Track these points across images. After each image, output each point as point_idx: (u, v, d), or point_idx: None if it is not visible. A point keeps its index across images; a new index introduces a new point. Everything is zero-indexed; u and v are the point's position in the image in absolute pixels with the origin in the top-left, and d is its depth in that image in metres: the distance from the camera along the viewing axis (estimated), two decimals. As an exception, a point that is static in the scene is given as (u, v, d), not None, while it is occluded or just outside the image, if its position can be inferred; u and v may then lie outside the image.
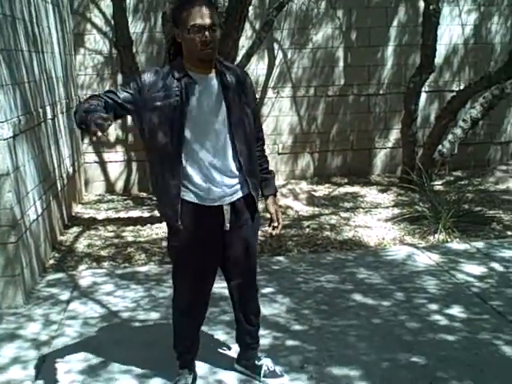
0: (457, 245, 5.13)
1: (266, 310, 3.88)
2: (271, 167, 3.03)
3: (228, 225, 2.73)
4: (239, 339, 3.12)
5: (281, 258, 4.92)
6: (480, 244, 5.11)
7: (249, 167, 2.74)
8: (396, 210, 6.25)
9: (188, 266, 2.79)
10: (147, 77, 2.63)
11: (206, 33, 2.51)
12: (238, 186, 2.74)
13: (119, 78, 6.79)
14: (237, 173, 2.73)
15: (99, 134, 2.25)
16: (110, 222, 6.06)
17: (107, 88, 7.34)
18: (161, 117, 2.59)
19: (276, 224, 2.93)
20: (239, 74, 2.79)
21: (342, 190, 7.36)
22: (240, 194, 2.75)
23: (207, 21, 2.52)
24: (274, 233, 2.96)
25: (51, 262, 4.94)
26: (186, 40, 2.58)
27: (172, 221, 2.71)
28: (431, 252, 4.95)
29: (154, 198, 7.10)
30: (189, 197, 2.68)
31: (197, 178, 2.66)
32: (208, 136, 2.66)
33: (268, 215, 2.96)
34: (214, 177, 2.68)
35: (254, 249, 2.92)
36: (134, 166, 7.64)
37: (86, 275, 4.64)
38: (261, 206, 2.91)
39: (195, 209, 2.68)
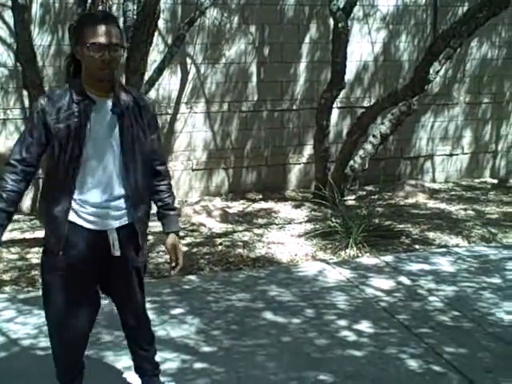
0: (367, 259, 5.21)
1: (174, 331, 3.80)
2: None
3: (117, 250, 2.60)
4: (137, 368, 3.01)
5: (192, 277, 4.83)
6: (389, 258, 5.21)
7: (135, 198, 2.63)
8: (309, 226, 6.30)
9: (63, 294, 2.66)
10: (44, 103, 2.51)
11: (107, 52, 2.42)
12: (124, 212, 2.62)
13: (24, 92, 6.52)
14: (123, 200, 2.61)
15: None
16: (15, 244, 5.78)
17: (12, 103, 7.06)
18: (61, 139, 2.47)
19: (174, 264, 2.78)
20: (137, 99, 2.65)
21: (257, 205, 7.36)
22: (125, 222, 2.63)
23: (108, 39, 2.42)
24: (172, 273, 2.81)
25: None
26: (85, 58, 2.47)
27: (55, 247, 2.58)
28: (342, 267, 4.99)
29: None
30: (77, 220, 2.56)
31: (87, 200, 2.56)
32: (103, 160, 2.55)
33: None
34: (102, 200, 2.57)
35: (138, 282, 2.78)
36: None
37: (-15, 301, 4.40)
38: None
39: (82, 233, 2.57)
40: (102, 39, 2.42)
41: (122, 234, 2.62)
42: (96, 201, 2.56)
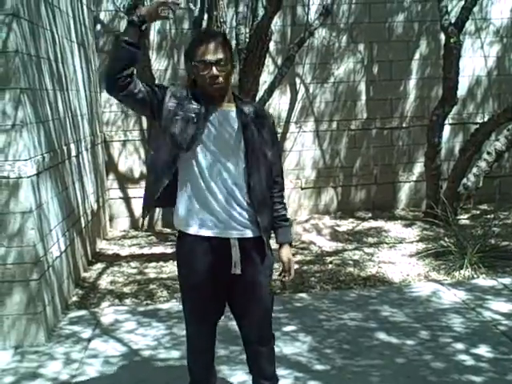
0: (483, 281, 5.03)
1: (287, 348, 3.84)
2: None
3: (238, 264, 2.64)
4: None
5: (303, 295, 4.87)
6: (507, 280, 5.00)
7: (260, 207, 2.66)
8: (421, 245, 6.17)
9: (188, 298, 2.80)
10: (173, 89, 2.64)
11: (214, 68, 2.52)
12: (248, 224, 2.66)
13: (143, 114, 6.86)
14: (246, 211, 2.66)
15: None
16: (134, 258, 6.08)
17: (131, 125, 7.45)
18: (177, 125, 2.57)
19: (287, 274, 2.82)
20: (258, 111, 2.74)
21: (366, 224, 7.30)
22: (250, 234, 2.67)
23: (214, 56, 2.53)
24: (284, 280, 2.84)
25: (74, 299, 4.95)
26: (196, 75, 2.61)
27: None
28: (457, 289, 4.86)
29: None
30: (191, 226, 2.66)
31: (201, 206, 2.64)
32: (219, 169, 2.62)
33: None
34: (220, 209, 2.63)
35: (264, 295, 2.79)
36: (158, 201, 7.66)
37: (108, 312, 4.64)
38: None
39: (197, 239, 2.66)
40: (209, 57, 2.53)
41: (246, 246, 2.67)
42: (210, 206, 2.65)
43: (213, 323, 2.86)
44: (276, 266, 2.86)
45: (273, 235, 2.80)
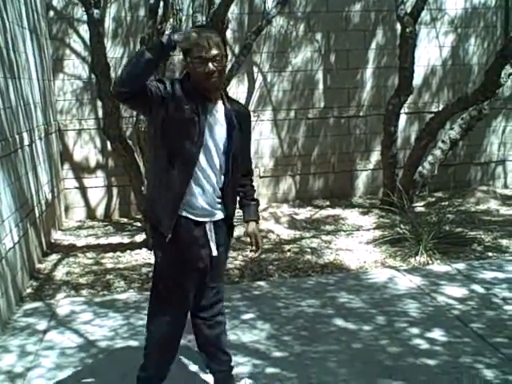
0: (438, 266, 5.12)
1: (245, 336, 3.85)
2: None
3: (214, 248, 2.80)
4: (213, 368, 3.09)
5: (261, 283, 4.88)
6: (461, 265, 5.11)
7: (232, 196, 2.88)
8: (377, 233, 6.25)
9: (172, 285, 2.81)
10: (172, 86, 2.66)
11: (210, 64, 2.59)
12: (220, 209, 2.83)
13: (98, 103, 6.75)
14: (220, 200, 2.82)
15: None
16: (90, 249, 5.99)
17: (86, 113, 7.33)
18: (182, 126, 2.64)
19: (254, 248, 2.98)
20: (243, 111, 2.87)
21: (324, 212, 7.35)
22: (221, 216, 2.83)
23: (210, 53, 2.59)
24: (252, 255, 3.03)
25: (29, 290, 4.86)
26: (191, 70, 2.67)
27: (166, 230, 2.71)
28: (412, 274, 4.94)
29: (138, 216, 7.07)
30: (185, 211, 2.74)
31: (196, 194, 2.74)
32: (213, 159, 2.73)
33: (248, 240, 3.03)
34: (208, 196, 2.76)
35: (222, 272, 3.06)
36: (115, 191, 7.58)
37: (64, 304, 4.57)
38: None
39: (188, 223, 2.74)
40: (205, 53, 2.59)
41: (218, 227, 2.83)
42: (203, 196, 2.79)
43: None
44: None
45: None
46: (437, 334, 3.80)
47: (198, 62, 2.60)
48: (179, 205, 2.68)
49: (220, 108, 2.74)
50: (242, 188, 2.97)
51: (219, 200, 2.81)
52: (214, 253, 2.80)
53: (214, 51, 2.60)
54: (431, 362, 3.44)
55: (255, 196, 3.06)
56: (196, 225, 2.75)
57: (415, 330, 3.87)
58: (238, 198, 2.98)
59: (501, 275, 4.83)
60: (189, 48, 2.62)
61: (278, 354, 3.62)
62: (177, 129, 2.64)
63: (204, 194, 2.74)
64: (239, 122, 2.78)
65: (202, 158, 2.69)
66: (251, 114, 3.02)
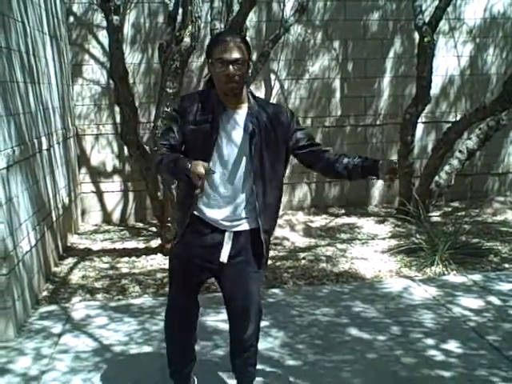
0: (454, 277, 5.09)
1: (259, 344, 3.78)
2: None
3: (225, 255, 2.75)
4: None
5: (276, 291, 4.87)
6: (477, 277, 5.07)
7: (262, 207, 2.73)
8: (393, 242, 6.22)
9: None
10: (184, 104, 2.74)
11: (230, 67, 2.58)
12: (245, 221, 2.75)
13: (116, 108, 6.80)
14: (246, 210, 2.74)
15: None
16: (106, 253, 6.02)
17: (104, 119, 7.38)
18: (195, 138, 2.67)
19: (393, 175, 2.72)
20: (272, 109, 2.80)
21: (339, 220, 7.33)
22: (246, 227, 2.75)
23: (232, 55, 2.59)
24: (388, 183, 2.82)
25: (44, 293, 4.89)
26: (212, 73, 2.69)
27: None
28: (428, 285, 4.91)
29: (154, 221, 7.10)
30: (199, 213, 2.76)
31: (207, 202, 2.74)
32: (228, 168, 2.70)
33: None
34: (222, 205, 2.73)
35: (253, 291, 2.84)
36: (131, 196, 7.62)
37: (79, 307, 4.59)
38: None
39: (201, 225, 2.76)
40: (226, 55, 2.59)
41: (240, 239, 2.78)
42: (215, 204, 2.80)
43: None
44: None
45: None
46: (452, 345, 3.77)
47: (218, 63, 2.60)
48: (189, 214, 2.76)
49: (243, 111, 2.71)
50: (338, 162, 2.80)
51: (244, 210, 2.73)
52: (222, 258, 2.74)
53: (236, 54, 2.59)
54: (446, 373, 3.41)
55: None
56: (213, 231, 2.76)
57: (430, 341, 3.84)
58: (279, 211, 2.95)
59: (518, 287, 4.79)
60: (211, 49, 2.65)
61: (291, 362, 3.61)
62: (191, 141, 2.70)
63: (213, 208, 2.73)
64: (272, 124, 2.72)
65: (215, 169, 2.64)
66: (288, 111, 2.85)
